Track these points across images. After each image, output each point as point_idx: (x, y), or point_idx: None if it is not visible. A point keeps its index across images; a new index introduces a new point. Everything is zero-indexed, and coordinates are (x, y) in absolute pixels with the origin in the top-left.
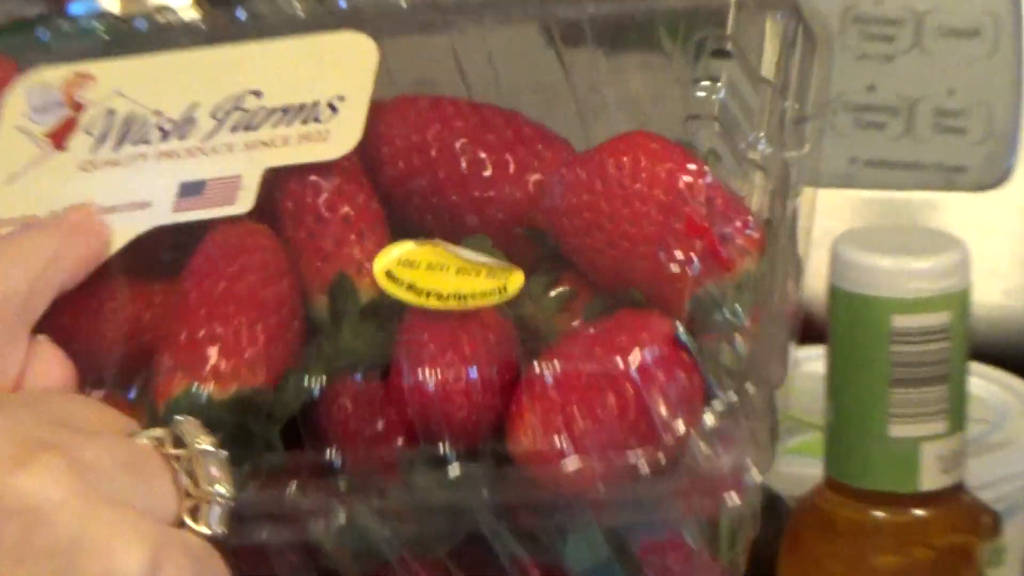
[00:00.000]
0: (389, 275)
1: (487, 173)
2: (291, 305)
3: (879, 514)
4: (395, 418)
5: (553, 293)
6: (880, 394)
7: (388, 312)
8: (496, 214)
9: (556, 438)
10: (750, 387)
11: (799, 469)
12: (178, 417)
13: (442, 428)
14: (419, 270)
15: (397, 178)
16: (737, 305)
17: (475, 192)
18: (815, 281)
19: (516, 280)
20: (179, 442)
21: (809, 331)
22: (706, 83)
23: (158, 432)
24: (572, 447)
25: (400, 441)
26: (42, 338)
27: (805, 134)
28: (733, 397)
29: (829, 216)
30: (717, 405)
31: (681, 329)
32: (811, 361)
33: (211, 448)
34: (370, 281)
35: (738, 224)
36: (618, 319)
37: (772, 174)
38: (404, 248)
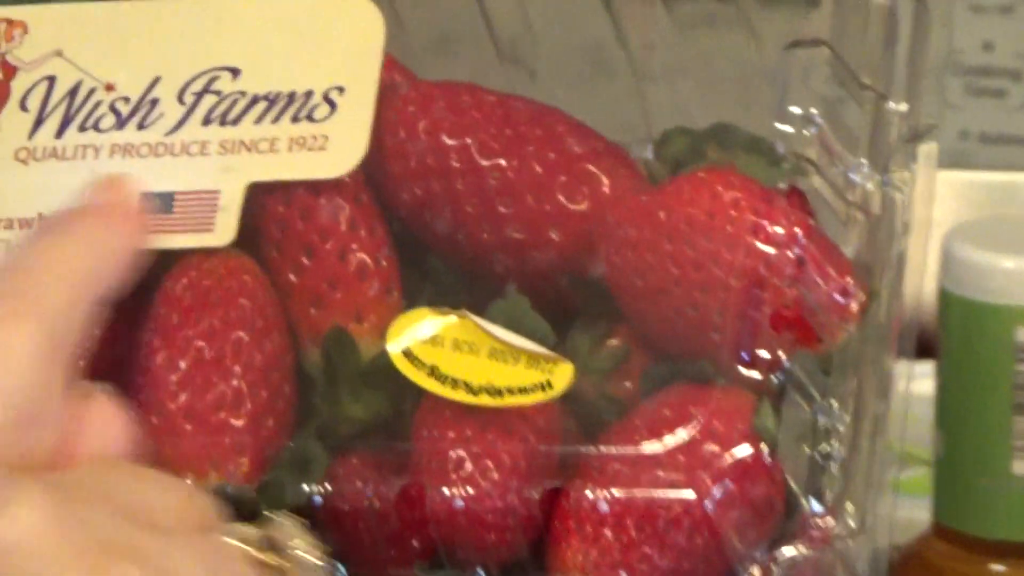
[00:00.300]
0: (408, 355)
1: (524, 208)
2: (282, 367)
3: (999, 568)
4: (410, 522)
5: (605, 350)
6: (1002, 423)
7: (394, 371)
8: (535, 258)
9: (610, 571)
10: (849, 506)
11: (901, 512)
12: (272, 515)
13: (472, 554)
14: (443, 350)
15: (411, 206)
16: (832, 399)
17: (510, 232)
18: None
19: (563, 374)
20: (273, 544)
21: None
22: (796, 111)
23: (249, 532)
24: None
25: (416, 544)
26: (94, 386)
27: (917, 153)
28: (828, 521)
29: (936, 203)
30: (806, 531)
31: (762, 425)
32: (916, 380)
33: (310, 558)
34: (372, 329)
35: (835, 294)
36: (682, 404)
37: (875, 211)
38: (424, 319)
